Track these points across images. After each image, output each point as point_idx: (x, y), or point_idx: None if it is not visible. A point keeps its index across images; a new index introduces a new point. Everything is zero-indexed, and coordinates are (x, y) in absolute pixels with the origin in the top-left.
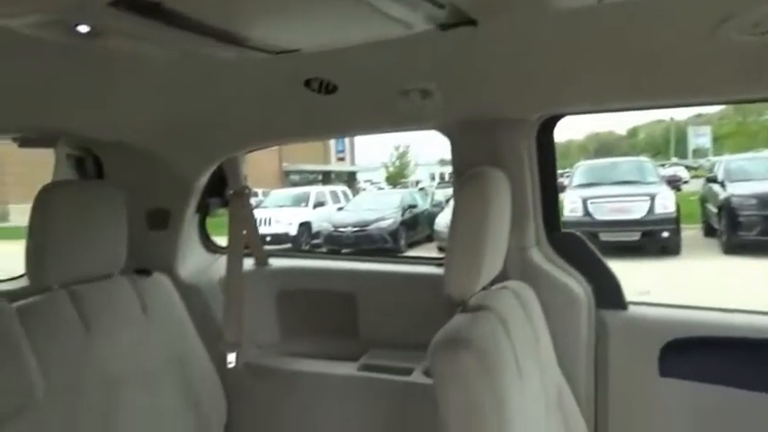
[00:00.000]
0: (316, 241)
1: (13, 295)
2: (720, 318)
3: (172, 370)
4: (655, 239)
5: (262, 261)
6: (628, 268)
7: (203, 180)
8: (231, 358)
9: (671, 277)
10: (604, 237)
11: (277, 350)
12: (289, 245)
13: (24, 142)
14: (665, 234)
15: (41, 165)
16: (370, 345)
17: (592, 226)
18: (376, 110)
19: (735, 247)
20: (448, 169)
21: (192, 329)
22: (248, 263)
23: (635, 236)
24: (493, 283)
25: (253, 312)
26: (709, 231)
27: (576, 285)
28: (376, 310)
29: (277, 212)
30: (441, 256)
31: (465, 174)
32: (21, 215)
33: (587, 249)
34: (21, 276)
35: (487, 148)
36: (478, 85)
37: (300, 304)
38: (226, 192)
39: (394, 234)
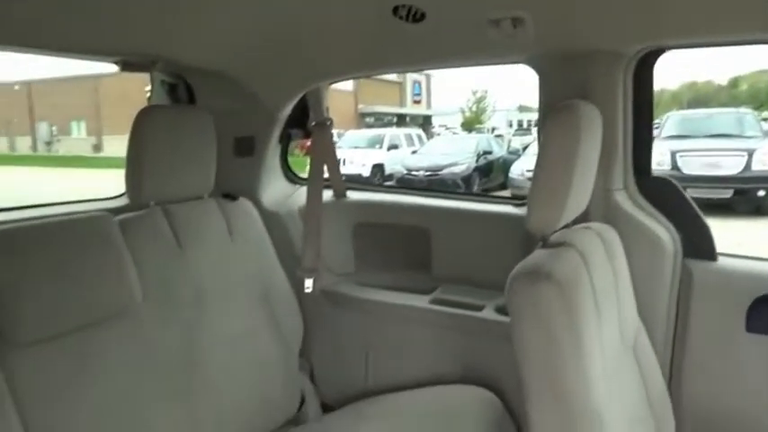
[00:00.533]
0: (388, 183)
1: (114, 211)
2: None
3: (254, 290)
4: (749, 198)
5: (340, 193)
6: (717, 227)
7: (287, 110)
8: (308, 284)
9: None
10: (693, 193)
11: (352, 280)
12: None
13: (125, 66)
14: (762, 193)
15: (133, 102)
16: (442, 281)
17: (680, 181)
18: (465, 40)
19: None
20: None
21: (273, 254)
22: (327, 194)
23: (727, 193)
24: (575, 223)
25: (330, 242)
26: None
27: (663, 232)
28: (449, 247)
29: (351, 153)
30: (517, 195)
31: (555, 106)
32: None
33: (679, 196)
34: (121, 195)
35: (580, 83)
36: (573, 13)
37: (375, 237)
38: (308, 123)
39: (467, 180)
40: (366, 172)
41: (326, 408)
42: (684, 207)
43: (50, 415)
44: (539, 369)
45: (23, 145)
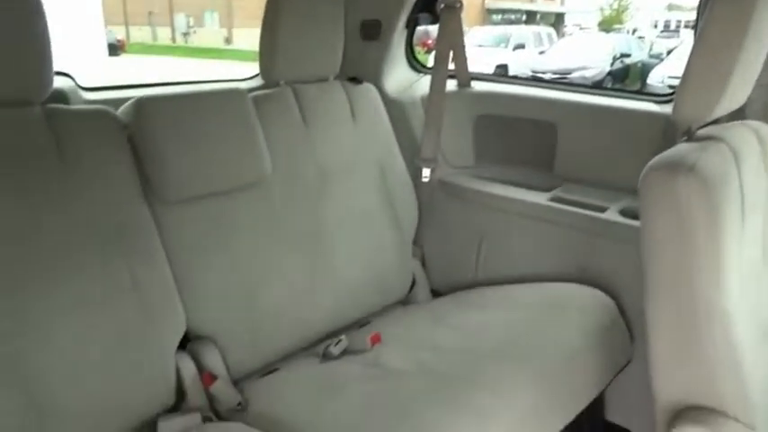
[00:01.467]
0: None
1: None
2: None
3: (373, 173)
4: None
5: (464, 83)
6: None
7: None
8: (426, 174)
9: None
10: None
11: (470, 172)
12: None
13: None
14: None
15: None
16: (564, 179)
17: None
18: None
19: None
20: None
21: (394, 140)
22: (451, 84)
23: None
24: (728, 120)
25: (450, 133)
26: None
27: None
28: (576, 144)
29: (474, 52)
30: (655, 92)
31: None
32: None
33: None
34: (254, 76)
35: None
36: None
37: (498, 130)
38: (437, 6)
39: (598, 85)
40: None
41: (435, 294)
42: None
43: (193, 264)
44: (666, 266)
45: (163, 35)
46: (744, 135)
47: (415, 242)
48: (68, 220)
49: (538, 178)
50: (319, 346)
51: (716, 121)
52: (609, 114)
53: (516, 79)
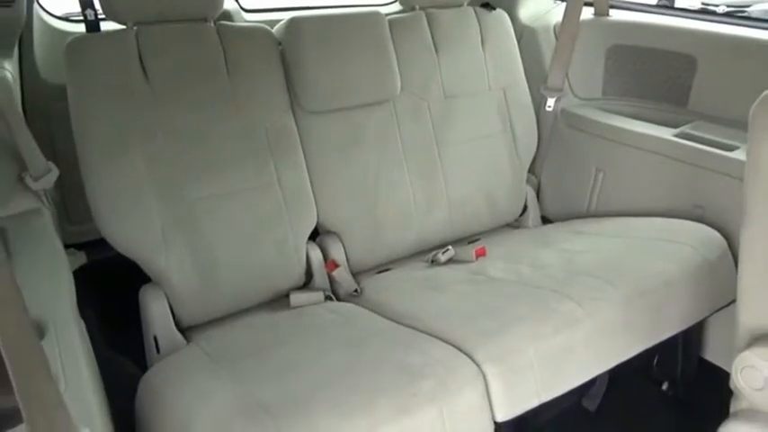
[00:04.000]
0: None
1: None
2: None
3: (497, 99)
4: None
5: (602, 11)
6: None
7: None
8: (550, 103)
9: None
10: None
11: (596, 104)
12: None
13: None
14: None
15: None
16: (697, 116)
17: None
18: None
19: None
20: None
21: (521, 68)
22: (588, 12)
23: None
24: None
25: (580, 63)
26: None
27: None
28: (715, 79)
29: None
30: None
31: None
32: None
33: None
34: (394, 2)
35: None
36: None
37: (631, 62)
38: None
39: None
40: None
41: (546, 221)
42: None
43: (326, 168)
44: (764, 196)
45: None
46: None
47: (531, 170)
48: (232, 126)
49: (669, 113)
50: (429, 254)
51: None
52: (754, 48)
53: (659, 8)
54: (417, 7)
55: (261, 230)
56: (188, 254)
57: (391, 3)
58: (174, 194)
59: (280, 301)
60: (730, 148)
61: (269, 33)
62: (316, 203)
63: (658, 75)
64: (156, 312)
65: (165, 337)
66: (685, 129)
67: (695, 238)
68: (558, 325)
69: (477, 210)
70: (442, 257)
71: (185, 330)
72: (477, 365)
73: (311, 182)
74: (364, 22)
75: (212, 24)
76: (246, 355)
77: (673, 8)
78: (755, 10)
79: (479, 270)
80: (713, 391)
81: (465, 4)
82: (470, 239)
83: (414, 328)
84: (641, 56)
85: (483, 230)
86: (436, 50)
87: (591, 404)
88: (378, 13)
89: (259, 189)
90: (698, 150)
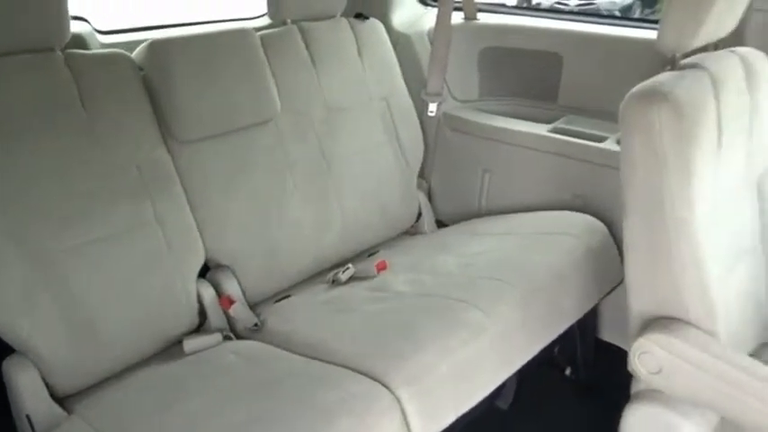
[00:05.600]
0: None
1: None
2: None
3: (380, 108)
4: None
5: (471, 15)
6: None
7: None
8: (432, 108)
9: None
10: None
11: (475, 106)
12: None
13: None
14: None
15: None
16: (568, 110)
17: None
18: None
19: None
20: None
21: (400, 75)
22: (458, 17)
23: None
24: (720, 47)
25: (456, 67)
26: None
27: None
28: (579, 74)
29: None
30: None
31: None
32: None
33: None
34: (262, 15)
35: None
36: None
37: (503, 63)
38: None
39: (626, 10)
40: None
41: (441, 225)
42: None
43: (210, 199)
44: (641, 189)
45: None
46: (728, 63)
47: (422, 175)
48: (94, 165)
49: (543, 110)
50: (329, 274)
51: (705, 49)
52: (613, 44)
53: (524, 10)
54: (288, 21)
55: (141, 276)
56: (57, 313)
57: (260, 16)
58: (32, 246)
59: (173, 349)
60: (600, 139)
61: (127, 59)
62: (202, 238)
63: (529, 73)
64: (25, 387)
65: (40, 415)
66: (558, 123)
67: (578, 227)
68: (466, 336)
69: (371, 221)
70: (343, 276)
71: (64, 400)
72: (393, 393)
73: (195, 216)
74: (233, 40)
75: (60, 53)
76: (140, 419)
77: (536, 9)
78: (602, 1)
79: (383, 285)
80: (613, 371)
81: (338, 14)
82: (369, 252)
83: (324, 360)
84: (511, 56)
85: (380, 241)
86: (314, 64)
87: (503, 403)
88: (247, 30)
89: (135, 231)
90: (570, 143)
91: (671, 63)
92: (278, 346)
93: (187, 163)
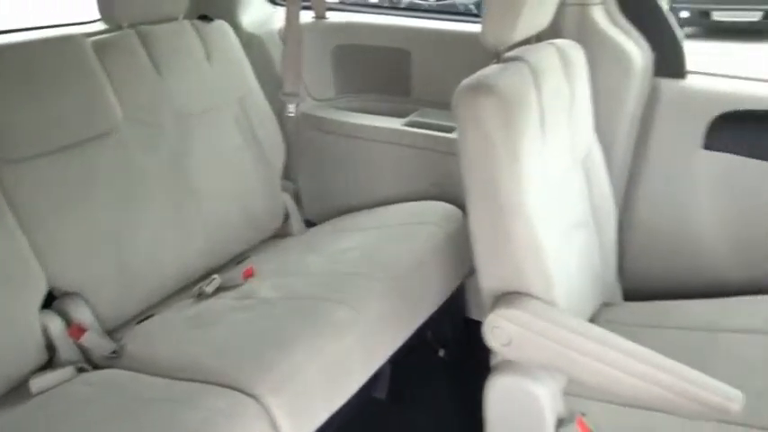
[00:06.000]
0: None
1: (90, 36)
2: None
3: (234, 111)
4: None
5: (320, 14)
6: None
7: None
8: (291, 108)
9: None
10: (718, 16)
11: (332, 104)
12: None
13: None
14: None
15: None
16: (421, 103)
17: (704, 3)
18: None
19: None
20: None
21: (253, 76)
22: (308, 16)
23: (755, 16)
24: (542, 40)
25: (310, 66)
26: None
27: (636, 50)
28: (429, 69)
29: None
30: None
31: None
32: None
33: (658, 13)
34: (96, 21)
35: None
36: None
37: (356, 60)
38: None
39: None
40: None
41: (311, 224)
42: (661, 24)
43: (47, 223)
44: (476, 177)
45: None
46: (546, 54)
47: (288, 176)
48: None
49: (398, 104)
50: (194, 288)
51: (529, 42)
52: (456, 39)
53: (373, 8)
54: (125, 25)
55: None
56: None
57: (93, 21)
58: None
59: (20, 390)
60: (450, 130)
61: None
62: (42, 265)
63: (382, 70)
64: None
65: None
66: (412, 117)
67: (436, 215)
68: (333, 334)
69: (236, 228)
70: (209, 288)
71: None
72: (259, 402)
73: (32, 242)
74: (61, 48)
75: None
76: None
77: (384, 6)
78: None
79: (250, 293)
80: (482, 348)
81: (180, 17)
82: (238, 260)
83: (189, 379)
84: (363, 53)
85: (248, 248)
86: (158, 71)
87: (381, 392)
88: (73, 37)
89: None
90: (424, 135)
91: (497, 56)
92: (139, 370)
93: (16, 184)
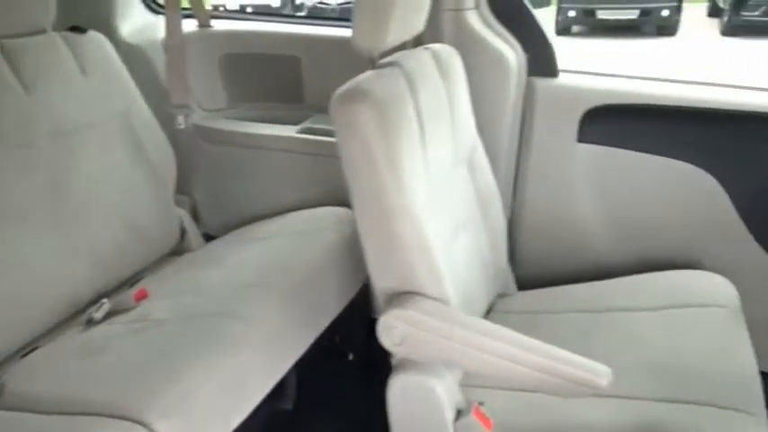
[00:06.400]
0: (300, 14)
1: None
2: (638, 86)
3: (117, 127)
4: (653, 18)
5: (204, 22)
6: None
7: None
8: (180, 120)
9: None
10: (602, 15)
11: (225, 114)
12: None
13: None
14: (665, 13)
15: None
16: (314, 110)
17: (587, 2)
18: None
19: (734, 28)
20: None
21: (134, 89)
22: (192, 25)
23: (633, 14)
24: (423, 44)
25: (198, 76)
26: (715, 11)
27: (510, 52)
28: (320, 75)
29: None
30: None
31: None
32: None
33: (529, 16)
34: None
35: None
36: None
37: (246, 69)
38: None
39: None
40: (275, 2)
41: (210, 238)
42: (532, 27)
43: None
44: (360, 182)
45: None
46: (423, 60)
47: (184, 191)
48: None
49: (291, 111)
50: (83, 315)
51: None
52: (345, 45)
53: (259, 15)
54: None
55: None
56: None
57: None
58: None
59: None
60: None
61: None
62: None
63: (273, 77)
64: None
65: None
66: (306, 124)
67: (334, 220)
68: (228, 349)
69: (126, 249)
70: (98, 314)
71: None
72: (151, 429)
73: None
74: None
75: None
76: None
77: (272, 14)
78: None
79: (142, 316)
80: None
81: (49, 29)
82: (132, 282)
83: (75, 413)
84: (253, 61)
85: (142, 268)
86: (25, 88)
87: (287, 403)
88: None
89: None
90: (318, 141)
91: (371, 63)
92: (22, 409)
93: None
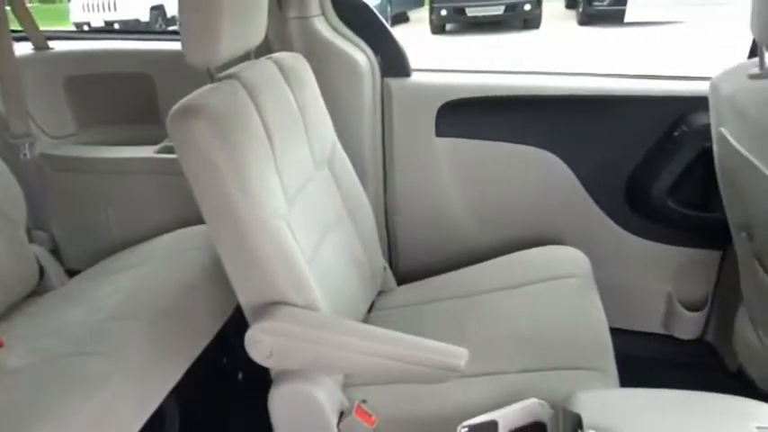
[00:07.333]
0: (172, 28)
1: None
2: (486, 79)
3: None
4: (517, 13)
5: (40, 44)
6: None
7: None
8: (25, 151)
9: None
10: (471, 12)
11: (75, 140)
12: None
13: None
14: (527, 7)
15: None
16: None
17: (458, 0)
18: None
19: (588, 18)
20: None
21: None
22: (27, 48)
23: (499, 9)
24: (271, 53)
25: (39, 102)
26: (571, 3)
27: (361, 55)
28: (174, 92)
29: None
30: None
31: None
32: None
33: (376, 20)
34: None
35: None
36: None
37: (94, 91)
38: None
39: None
40: (144, 16)
41: (75, 273)
42: (381, 30)
43: None
44: (210, 200)
45: None
46: (264, 70)
47: (39, 226)
48: None
49: (149, 133)
50: None
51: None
52: (169, 58)
53: (100, 34)
54: None
55: None
56: None
57: None
58: None
59: None
60: None
61: None
62: None
63: (126, 97)
64: None
65: None
66: (165, 143)
67: (203, 239)
68: (89, 390)
69: None
70: None
71: None
72: None
73: None
74: None
75: None
76: None
77: (115, 31)
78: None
79: None
80: None
81: None
82: None
83: None
84: (101, 82)
85: None
86: None
87: None
88: None
89: None
90: (174, 161)
91: (210, 76)
92: None
93: None
